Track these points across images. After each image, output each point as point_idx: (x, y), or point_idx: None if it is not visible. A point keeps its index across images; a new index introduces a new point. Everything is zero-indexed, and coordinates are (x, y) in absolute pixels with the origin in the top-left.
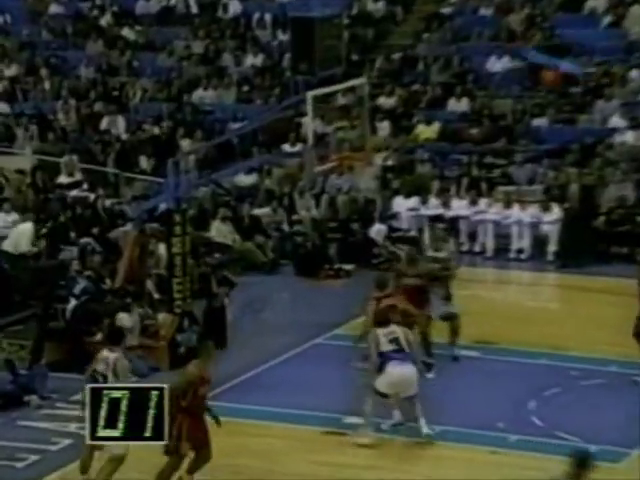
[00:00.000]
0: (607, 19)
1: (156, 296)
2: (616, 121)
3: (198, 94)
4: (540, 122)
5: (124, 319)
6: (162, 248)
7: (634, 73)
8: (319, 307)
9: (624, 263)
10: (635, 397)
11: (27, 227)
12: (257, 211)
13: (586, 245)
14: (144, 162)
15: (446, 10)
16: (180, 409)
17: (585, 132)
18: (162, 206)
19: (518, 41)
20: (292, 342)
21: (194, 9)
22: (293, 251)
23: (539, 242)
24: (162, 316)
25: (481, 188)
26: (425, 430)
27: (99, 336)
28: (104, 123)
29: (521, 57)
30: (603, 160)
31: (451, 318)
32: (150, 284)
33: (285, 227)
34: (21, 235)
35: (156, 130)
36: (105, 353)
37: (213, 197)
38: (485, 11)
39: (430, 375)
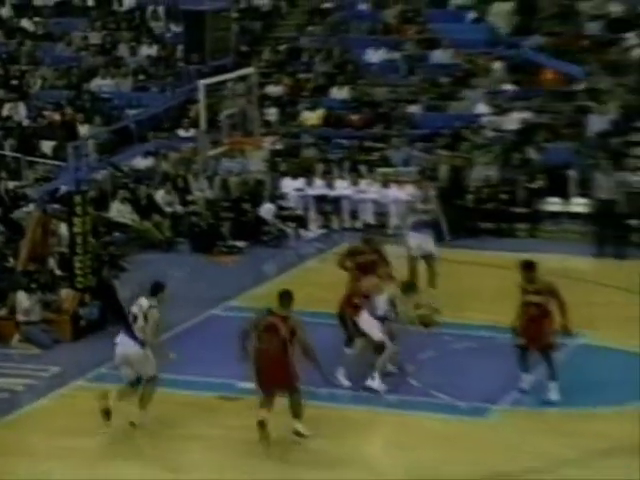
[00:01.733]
0: (472, 15)
1: (58, 273)
2: (481, 108)
3: (96, 82)
4: (414, 109)
5: (22, 297)
6: (64, 228)
7: (497, 64)
8: (214, 281)
9: (491, 237)
10: (500, 359)
11: None
12: (155, 193)
13: (456, 221)
14: (45, 147)
15: (327, 5)
16: None
17: (454, 118)
18: (63, 188)
19: (393, 34)
20: (189, 314)
21: (91, 2)
22: (188, 230)
23: None
24: (64, 292)
25: (361, 170)
26: None
27: (3, 311)
28: (6, 110)
29: (397, 48)
30: (471, 144)
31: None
32: (52, 262)
33: (180, 207)
34: None
35: (56, 116)
36: (143, 300)
37: (112, 179)
38: (363, 6)
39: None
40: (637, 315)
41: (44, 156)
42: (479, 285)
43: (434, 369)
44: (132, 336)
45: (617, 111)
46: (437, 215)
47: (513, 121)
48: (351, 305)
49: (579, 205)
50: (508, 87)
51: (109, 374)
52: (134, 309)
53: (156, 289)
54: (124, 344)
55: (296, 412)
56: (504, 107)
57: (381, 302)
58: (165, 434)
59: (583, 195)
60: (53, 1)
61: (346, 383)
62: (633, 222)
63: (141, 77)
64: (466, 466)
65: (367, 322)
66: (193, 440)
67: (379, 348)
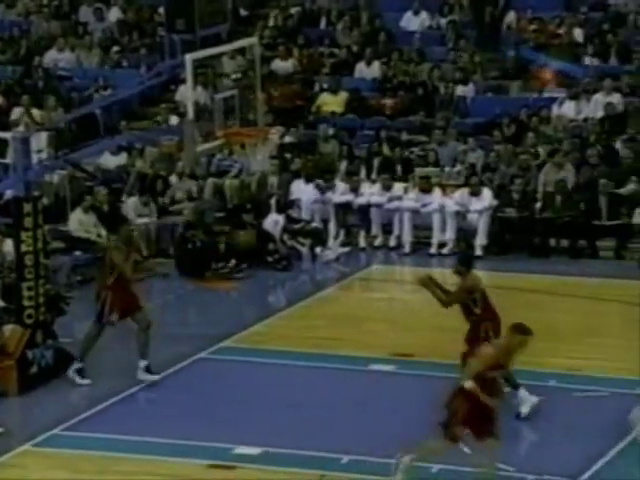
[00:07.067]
0: None
1: (1, 304)
2: (553, 89)
3: (51, 56)
4: (465, 91)
5: None
6: (9, 245)
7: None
8: (204, 314)
9: (564, 258)
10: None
11: None
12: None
13: (521, 237)
14: None
15: None
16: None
17: (518, 103)
18: (8, 193)
19: None
20: (171, 358)
21: None
22: (174, 248)
23: (465, 235)
24: (9, 328)
25: (396, 170)
26: None
27: None
28: None
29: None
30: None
31: None
32: None
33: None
34: None
35: None
36: None
37: (72, 182)
38: None
39: None
40: None
41: None
42: (553, 321)
43: None
44: None
45: None
46: None
47: None
48: None
49: None
50: None
51: (65, 437)
52: None
53: None
54: None
55: None
56: None
57: None
58: None
59: None
60: None
61: None
62: None
63: (110, 49)
64: None
65: None
66: None
67: None
